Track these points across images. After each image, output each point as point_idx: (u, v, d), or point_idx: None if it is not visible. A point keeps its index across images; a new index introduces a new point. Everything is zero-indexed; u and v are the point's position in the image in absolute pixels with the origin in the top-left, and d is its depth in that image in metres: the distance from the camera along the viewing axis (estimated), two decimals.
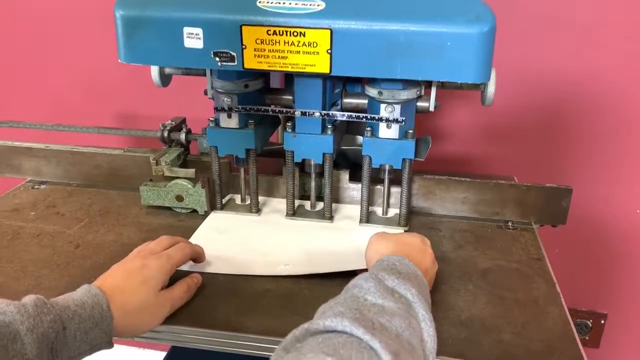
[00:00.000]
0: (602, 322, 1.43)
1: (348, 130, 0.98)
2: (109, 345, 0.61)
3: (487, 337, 0.68)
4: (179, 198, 0.94)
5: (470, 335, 0.68)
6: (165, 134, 0.99)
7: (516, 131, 1.24)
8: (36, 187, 1.06)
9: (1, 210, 0.97)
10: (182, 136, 0.99)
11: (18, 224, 0.93)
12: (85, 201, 1.01)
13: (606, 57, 1.15)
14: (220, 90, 0.85)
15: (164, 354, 1.13)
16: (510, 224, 0.95)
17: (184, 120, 1.04)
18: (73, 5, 1.30)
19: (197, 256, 0.77)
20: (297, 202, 0.95)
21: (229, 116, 0.87)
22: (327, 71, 0.74)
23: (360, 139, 0.93)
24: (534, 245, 0.89)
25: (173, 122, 1.02)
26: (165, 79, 0.91)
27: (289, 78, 0.92)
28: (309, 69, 0.74)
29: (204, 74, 0.89)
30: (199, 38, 0.74)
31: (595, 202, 1.28)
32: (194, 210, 0.95)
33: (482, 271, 0.82)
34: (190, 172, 0.94)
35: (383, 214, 0.94)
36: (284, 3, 0.72)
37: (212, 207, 0.96)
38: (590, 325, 1.43)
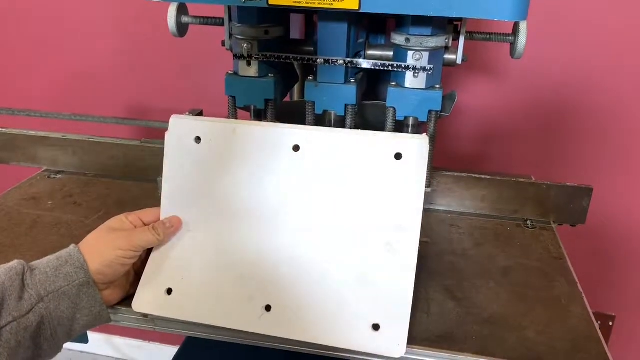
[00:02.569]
0: (610, 323, 1.43)
1: (367, 95, 0.95)
2: (89, 285, 0.64)
3: (511, 335, 0.68)
4: None
5: (493, 332, 0.68)
6: None
7: (527, 130, 1.24)
8: (52, 176, 1.06)
9: (19, 199, 0.97)
10: None
11: (36, 212, 0.92)
12: (102, 192, 1.00)
13: (624, 55, 1.14)
14: (239, 36, 0.83)
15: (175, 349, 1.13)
16: (529, 222, 0.94)
17: (200, 112, 1.03)
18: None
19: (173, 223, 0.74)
20: None
21: (249, 64, 0.85)
22: (356, 7, 0.69)
23: (381, 103, 0.87)
24: (554, 244, 0.88)
25: (190, 114, 1.01)
26: (181, 28, 0.89)
27: (310, 29, 0.90)
28: (337, 5, 0.70)
29: (222, 24, 0.87)
30: None
31: (602, 203, 1.28)
32: None
33: (503, 269, 0.81)
34: None
35: None
36: None
37: None
38: (599, 327, 1.43)
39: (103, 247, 0.66)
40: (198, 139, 0.73)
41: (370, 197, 0.69)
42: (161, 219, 0.72)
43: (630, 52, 1.14)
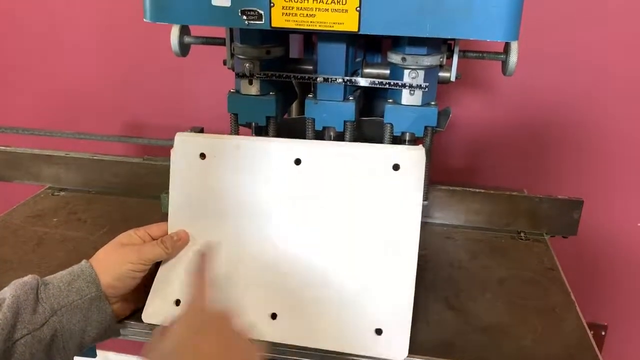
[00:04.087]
0: (603, 333, 1.45)
1: (363, 112, 0.98)
2: (100, 299, 0.66)
3: (508, 343, 0.70)
4: None
5: (491, 341, 0.70)
6: None
7: (518, 144, 1.27)
8: (56, 193, 1.08)
9: (25, 216, 0.99)
10: None
11: (42, 229, 0.94)
12: (106, 208, 1.02)
13: (610, 73, 1.18)
14: (241, 56, 0.86)
15: None
16: (522, 234, 0.97)
17: (202, 130, 1.06)
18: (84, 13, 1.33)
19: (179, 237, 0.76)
20: None
21: (250, 82, 0.88)
22: (356, 29, 0.73)
23: (379, 120, 0.90)
24: (547, 255, 0.91)
25: (192, 131, 1.04)
26: (184, 48, 0.92)
27: (309, 48, 0.93)
28: (337, 28, 0.73)
29: (223, 44, 0.90)
30: None
31: (594, 214, 1.31)
32: None
33: (499, 280, 0.84)
34: None
35: None
36: None
37: None
38: (592, 337, 1.46)
39: (114, 261, 0.68)
40: (202, 155, 0.76)
41: (371, 207, 0.72)
42: (169, 233, 0.75)
43: (615, 70, 1.18)
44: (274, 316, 0.69)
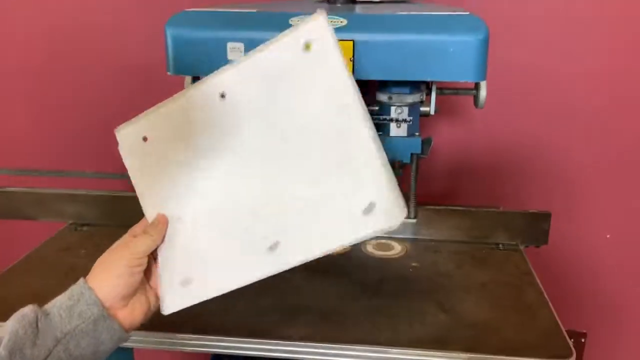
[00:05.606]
0: (583, 340, 1.57)
1: None
2: (104, 318, 0.65)
3: (492, 335, 0.83)
4: None
5: (477, 335, 0.83)
6: None
7: (492, 165, 1.42)
8: (79, 228, 1.19)
9: (55, 249, 1.09)
10: None
11: (72, 260, 1.05)
12: None
13: (573, 102, 1.35)
14: None
15: None
16: (500, 245, 1.10)
17: None
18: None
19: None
20: None
21: None
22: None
23: None
24: (522, 262, 1.05)
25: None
26: None
27: None
28: None
29: None
30: (240, 51, 0.87)
31: (568, 227, 1.45)
32: None
33: (481, 284, 0.97)
34: None
35: None
36: None
37: None
38: (572, 344, 1.57)
39: (108, 264, 0.70)
40: (145, 139, 0.77)
41: (306, 100, 0.68)
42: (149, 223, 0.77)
43: (578, 98, 1.34)
44: (272, 247, 0.68)
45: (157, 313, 0.74)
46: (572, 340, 1.66)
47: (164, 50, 0.90)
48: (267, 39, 0.69)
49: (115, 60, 1.46)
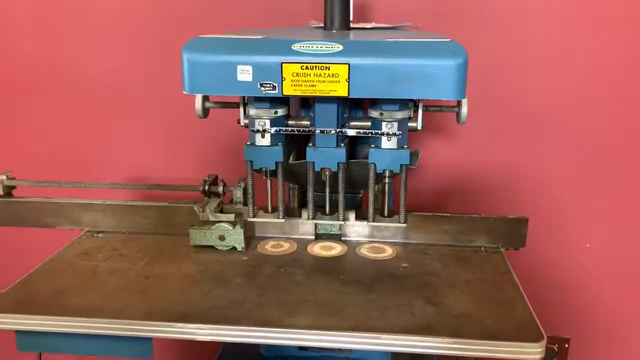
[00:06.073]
0: (566, 345, 1.65)
1: (351, 155, 1.21)
2: None
3: (474, 324, 0.93)
4: (222, 238, 1.18)
5: (462, 323, 0.93)
6: (206, 187, 1.23)
7: (474, 174, 1.54)
8: (95, 235, 1.28)
9: (74, 254, 1.19)
10: (220, 189, 1.24)
11: (92, 263, 1.14)
12: (141, 245, 1.23)
13: (544, 119, 1.47)
14: (254, 116, 1.10)
15: None
16: (482, 248, 1.21)
17: (216, 177, 1.29)
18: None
19: None
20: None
21: (263, 136, 1.11)
22: (346, 94, 0.98)
23: (364, 161, 1.14)
24: (502, 263, 1.15)
25: (209, 178, 1.26)
26: (205, 111, 1.16)
27: (304, 107, 1.17)
28: (332, 93, 0.99)
29: (237, 107, 1.13)
30: (249, 73, 0.98)
31: (549, 236, 1.57)
32: (233, 248, 1.19)
33: (465, 282, 1.07)
34: (231, 216, 1.19)
35: (387, 214, 1.18)
36: (312, 46, 0.98)
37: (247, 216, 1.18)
38: (556, 350, 1.66)
39: None
40: None
41: None
42: None
43: (550, 117, 1.47)
44: None
45: (176, 307, 0.82)
46: (556, 345, 1.76)
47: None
48: (273, 61, 0.81)
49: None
